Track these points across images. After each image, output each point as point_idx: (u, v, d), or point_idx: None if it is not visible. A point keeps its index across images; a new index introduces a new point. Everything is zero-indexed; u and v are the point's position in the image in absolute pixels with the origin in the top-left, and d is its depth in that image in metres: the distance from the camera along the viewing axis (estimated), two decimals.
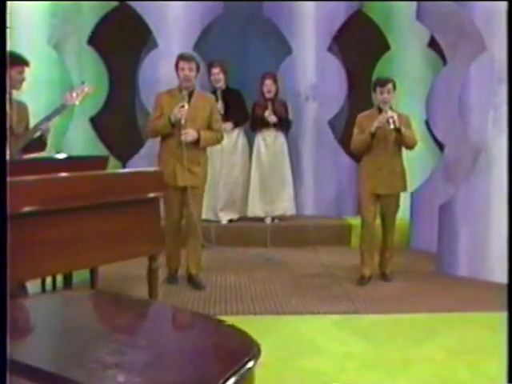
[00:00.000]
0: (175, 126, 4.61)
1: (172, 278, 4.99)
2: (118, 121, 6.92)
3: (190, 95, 4.72)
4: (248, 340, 1.95)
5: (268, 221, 6.67)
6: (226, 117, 6.40)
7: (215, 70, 6.42)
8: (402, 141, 4.80)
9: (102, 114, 6.82)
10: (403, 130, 4.70)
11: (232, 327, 2.06)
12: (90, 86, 4.45)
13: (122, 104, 6.98)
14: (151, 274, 3.64)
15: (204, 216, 6.59)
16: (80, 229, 3.16)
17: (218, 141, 4.95)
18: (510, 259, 3.05)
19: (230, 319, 4.11)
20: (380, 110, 4.80)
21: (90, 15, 6.61)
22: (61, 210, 3.01)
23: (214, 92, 6.47)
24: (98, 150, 6.84)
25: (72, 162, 3.47)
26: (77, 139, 6.54)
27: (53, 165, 3.35)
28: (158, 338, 2.02)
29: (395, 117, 4.64)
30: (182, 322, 2.35)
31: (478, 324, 4.05)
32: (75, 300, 2.43)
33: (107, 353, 1.80)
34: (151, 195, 3.51)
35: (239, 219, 6.72)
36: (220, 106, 6.36)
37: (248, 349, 1.89)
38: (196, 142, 4.68)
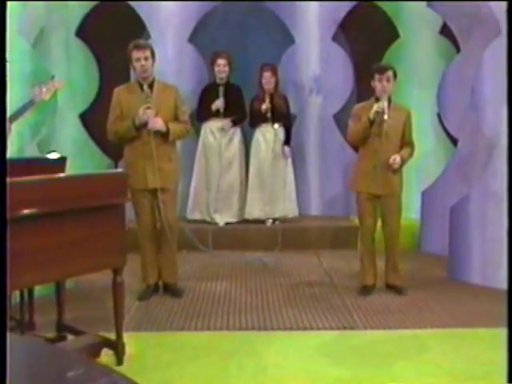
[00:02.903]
0: (140, 128, 4.25)
1: (148, 294, 4.52)
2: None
3: (151, 87, 4.33)
4: None
5: (268, 223, 6.26)
6: (225, 114, 6.11)
7: (222, 62, 6.09)
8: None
9: (92, 110, 6.49)
10: (399, 159, 4.37)
11: None
12: (60, 81, 4.09)
13: None
14: (116, 289, 3.23)
15: (199, 217, 6.29)
16: (27, 241, 2.76)
17: (188, 132, 4.60)
18: (509, 261, 2.89)
19: (210, 335, 3.89)
20: (377, 101, 4.37)
21: (78, 5, 6.23)
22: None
23: (215, 86, 6.10)
24: (88, 148, 6.50)
25: (24, 164, 3.08)
26: (65, 137, 6.19)
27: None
28: None
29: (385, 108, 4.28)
30: None
31: (490, 342, 3.57)
32: None
33: None
34: (114, 201, 3.10)
35: (238, 222, 6.32)
36: (221, 103, 6.08)
37: None
38: (165, 136, 4.30)
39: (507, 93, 4.24)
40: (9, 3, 3.34)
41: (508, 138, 4.16)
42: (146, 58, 4.27)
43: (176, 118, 4.41)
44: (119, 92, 4.42)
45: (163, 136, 4.29)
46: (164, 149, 4.32)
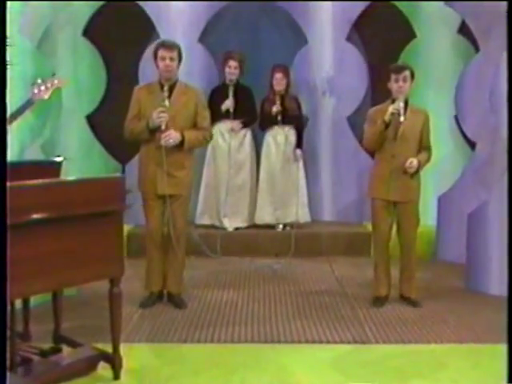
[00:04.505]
0: (154, 130, 4.07)
1: (150, 302, 4.35)
2: (117, 119, 6.40)
3: (172, 89, 4.14)
4: None
5: (279, 228, 6.08)
6: (234, 115, 5.94)
7: (233, 64, 5.93)
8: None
9: (99, 111, 6.37)
10: (416, 162, 4.20)
11: None
12: (60, 78, 3.91)
13: (121, 101, 6.44)
14: (112, 299, 3.06)
15: (209, 221, 6.12)
16: (18, 250, 2.60)
17: (207, 140, 4.35)
18: (510, 267, 2.89)
19: (213, 348, 3.71)
20: (394, 102, 4.18)
21: (85, 4, 6.10)
22: None
23: (225, 86, 5.94)
24: (95, 150, 6.37)
25: (16, 168, 2.91)
26: (71, 139, 6.06)
27: None
28: None
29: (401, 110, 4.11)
30: None
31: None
32: None
33: None
34: (111, 208, 2.93)
35: (247, 227, 6.15)
36: (230, 103, 5.92)
37: None
38: (179, 145, 4.10)
39: (507, 93, 4.10)
40: (9, 2, 3.21)
41: (508, 137, 4.03)
42: (171, 59, 4.08)
43: (195, 124, 4.20)
44: (139, 90, 4.26)
45: (178, 144, 4.09)
46: (177, 155, 4.12)
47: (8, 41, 3.28)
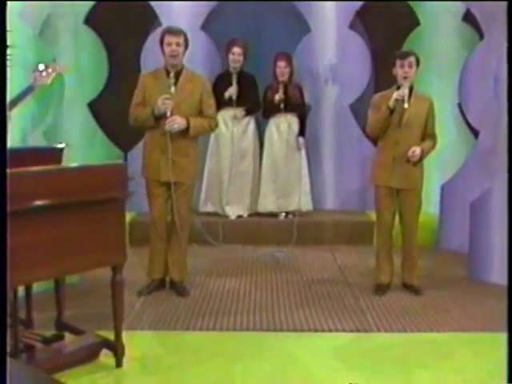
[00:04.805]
0: (159, 118, 4.05)
1: (149, 289, 4.34)
2: (119, 106, 6.38)
3: (178, 76, 4.11)
4: None
5: (281, 217, 6.07)
6: (238, 103, 5.90)
7: (237, 50, 5.88)
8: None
9: (101, 99, 6.33)
10: (419, 151, 4.18)
11: None
12: (61, 65, 3.89)
13: (123, 88, 6.42)
14: (115, 287, 3.06)
15: (212, 209, 6.11)
16: (19, 237, 2.59)
17: (212, 128, 4.33)
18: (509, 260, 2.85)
19: (215, 336, 3.71)
20: (399, 89, 4.15)
21: None
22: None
23: (228, 74, 5.91)
24: (97, 138, 6.35)
25: (18, 155, 2.89)
26: (73, 127, 6.04)
27: None
28: None
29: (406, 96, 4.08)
30: None
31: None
32: None
33: None
34: (112, 195, 2.92)
35: (250, 215, 6.14)
36: (234, 90, 5.88)
37: None
38: (184, 131, 4.08)
39: (507, 91, 4.06)
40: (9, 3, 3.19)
41: (508, 137, 4.04)
42: (177, 44, 4.07)
43: (201, 112, 4.18)
44: (145, 77, 4.25)
45: (183, 131, 4.08)
46: (182, 143, 4.10)
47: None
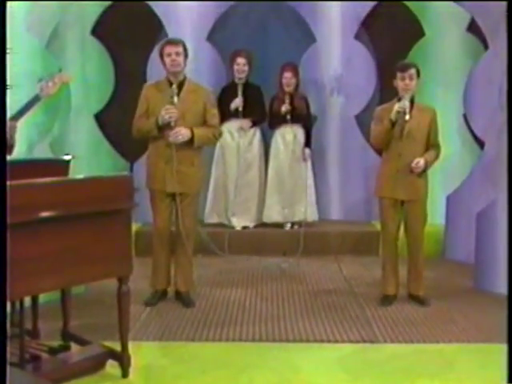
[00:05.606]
0: (163, 128, 4.07)
1: (154, 300, 4.35)
2: (125, 118, 6.42)
3: (180, 86, 4.14)
4: None
5: (287, 227, 6.07)
6: (244, 114, 5.91)
7: (241, 61, 5.90)
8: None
9: (107, 110, 6.38)
10: (423, 162, 4.19)
11: None
12: (67, 74, 3.90)
13: (129, 99, 6.45)
14: (121, 298, 3.07)
15: (217, 220, 6.11)
16: (25, 248, 2.61)
17: (216, 138, 4.34)
18: (509, 266, 2.89)
19: (221, 346, 3.71)
20: (400, 101, 4.17)
21: (93, 3, 6.10)
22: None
23: (233, 85, 5.94)
24: (103, 149, 6.38)
25: (25, 166, 2.93)
26: (79, 138, 6.08)
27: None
28: None
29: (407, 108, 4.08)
30: None
31: None
32: None
33: None
34: (119, 206, 2.94)
35: (256, 225, 6.15)
36: (239, 101, 5.89)
37: None
38: (189, 142, 4.10)
39: (507, 93, 4.06)
40: (17, 2, 3.21)
41: (508, 137, 4.03)
42: (177, 54, 4.10)
43: (205, 122, 4.21)
44: (148, 88, 4.27)
45: (187, 141, 4.10)
46: (187, 153, 4.13)
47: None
